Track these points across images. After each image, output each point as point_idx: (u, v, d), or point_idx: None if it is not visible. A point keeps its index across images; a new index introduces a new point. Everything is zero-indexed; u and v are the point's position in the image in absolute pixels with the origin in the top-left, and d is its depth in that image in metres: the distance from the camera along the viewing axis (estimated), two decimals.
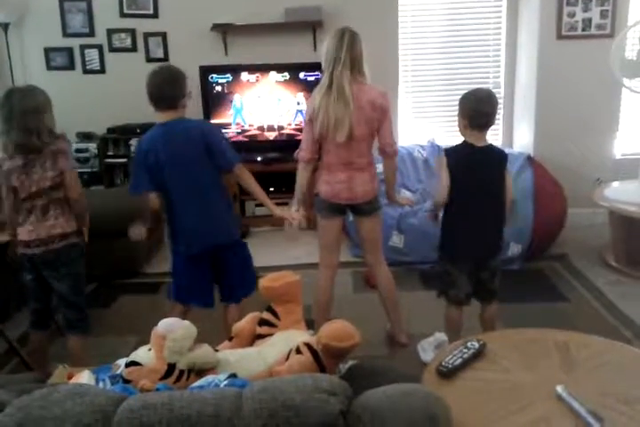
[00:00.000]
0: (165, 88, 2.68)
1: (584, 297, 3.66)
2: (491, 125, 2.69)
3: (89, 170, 5.13)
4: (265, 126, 5.03)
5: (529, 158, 4.50)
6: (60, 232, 2.62)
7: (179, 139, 2.68)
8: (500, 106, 5.28)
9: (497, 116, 2.72)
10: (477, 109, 2.62)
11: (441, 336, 3.04)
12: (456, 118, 2.74)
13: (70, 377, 1.87)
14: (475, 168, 2.67)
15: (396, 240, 4.17)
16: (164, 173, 2.71)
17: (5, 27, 4.96)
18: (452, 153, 2.70)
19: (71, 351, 2.79)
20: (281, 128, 5.04)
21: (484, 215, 2.70)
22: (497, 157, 2.73)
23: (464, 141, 2.71)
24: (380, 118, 2.84)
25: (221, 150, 2.73)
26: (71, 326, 2.77)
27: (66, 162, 2.58)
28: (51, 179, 2.56)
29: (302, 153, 2.96)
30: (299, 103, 4.94)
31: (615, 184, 4.36)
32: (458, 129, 2.74)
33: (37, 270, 2.67)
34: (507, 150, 4.72)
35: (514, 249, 4.02)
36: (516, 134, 5.33)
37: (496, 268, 2.80)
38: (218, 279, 2.89)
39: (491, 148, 2.74)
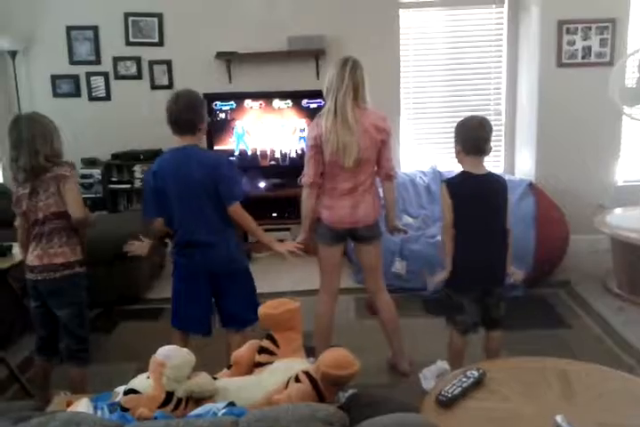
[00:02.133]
0: (185, 113, 2.72)
1: (586, 324, 3.64)
2: (486, 152, 2.73)
3: (93, 195, 5.17)
4: (268, 152, 5.08)
5: (530, 185, 4.52)
6: (62, 261, 2.63)
7: (191, 164, 2.70)
8: (501, 133, 5.34)
9: (493, 144, 2.75)
10: (470, 136, 2.69)
11: (443, 365, 3.02)
12: None
13: (69, 405, 1.86)
14: (477, 197, 2.70)
15: (399, 267, 4.17)
16: (170, 196, 2.73)
17: (13, 54, 5.05)
18: (452, 183, 2.74)
19: (71, 380, 2.79)
20: (284, 154, 5.08)
21: (489, 244, 2.72)
22: (498, 186, 2.76)
23: (462, 171, 2.75)
24: (383, 140, 2.90)
25: (227, 185, 2.74)
26: (71, 355, 2.76)
27: (68, 185, 2.60)
28: (54, 204, 2.58)
29: (306, 178, 2.98)
30: (302, 130, 4.99)
31: (617, 211, 4.36)
32: (455, 156, 2.79)
33: (42, 298, 2.68)
34: (508, 177, 4.77)
35: (516, 276, 4.00)
36: (517, 161, 5.35)
37: (501, 295, 2.81)
38: (218, 306, 2.89)
39: (491, 176, 2.77)
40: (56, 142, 2.63)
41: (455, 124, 2.79)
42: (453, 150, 2.80)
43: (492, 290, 2.77)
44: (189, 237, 2.77)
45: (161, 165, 2.78)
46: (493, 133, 2.76)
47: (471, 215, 2.68)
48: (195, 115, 2.74)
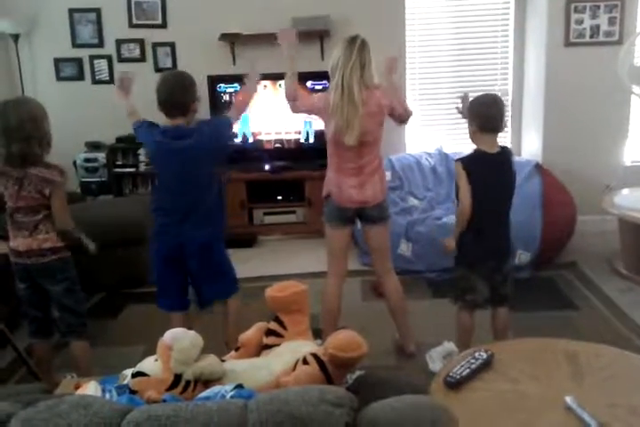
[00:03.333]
0: (176, 94, 2.69)
1: (594, 305, 3.63)
2: (500, 130, 2.73)
3: (97, 179, 5.15)
4: (272, 135, 5.04)
5: (537, 166, 4.49)
6: (50, 246, 2.63)
7: (174, 146, 2.70)
8: (508, 113, 5.28)
9: (506, 122, 2.75)
10: (485, 114, 2.67)
11: (450, 346, 3.02)
12: (463, 126, 2.80)
13: (77, 387, 1.86)
14: (491, 176, 2.71)
15: (404, 249, 4.16)
16: (158, 165, 2.79)
17: (16, 37, 5.00)
18: (468, 162, 2.71)
19: (75, 358, 2.80)
20: (288, 137, 5.05)
21: (498, 221, 2.78)
22: (509, 162, 2.78)
23: (477, 149, 2.74)
24: (386, 114, 2.90)
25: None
26: (71, 330, 2.77)
27: (55, 193, 2.58)
28: (37, 199, 2.57)
29: (300, 103, 2.98)
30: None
31: (625, 191, 4.32)
32: (469, 136, 2.77)
33: (32, 278, 2.68)
34: (515, 158, 4.74)
35: (523, 257, 4.00)
36: (524, 142, 5.31)
37: (508, 272, 2.84)
38: (193, 284, 2.91)
39: (503, 152, 2.77)
40: (46, 126, 2.59)
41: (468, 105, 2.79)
42: (460, 132, 2.83)
43: (501, 267, 2.80)
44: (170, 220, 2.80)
45: (150, 139, 2.80)
46: None
47: (484, 193, 2.68)
48: (185, 96, 2.71)
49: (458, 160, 2.75)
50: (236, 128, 5.01)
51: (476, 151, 2.74)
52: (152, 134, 2.79)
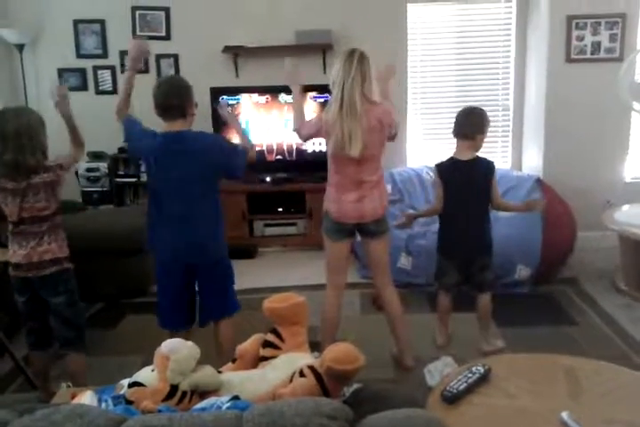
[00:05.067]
0: (173, 97, 2.69)
1: (594, 321, 3.62)
2: (475, 139, 3.06)
3: (99, 189, 5.17)
4: (274, 147, 5.07)
5: (538, 181, 4.50)
6: (51, 258, 2.63)
7: (187, 144, 2.68)
8: (509, 128, 5.31)
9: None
10: (457, 120, 3.09)
11: (448, 360, 3.01)
12: None
13: (73, 397, 1.86)
14: (460, 180, 3.07)
15: (405, 262, 4.16)
16: (157, 176, 2.73)
17: (21, 47, 5.05)
18: (441, 169, 3.14)
19: (72, 370, 2.78)
20: (290, 149, 5.07)
21: (471, 221, 3.11)
22: (482, 169, 3.10)
23: (451, 157, 3.13)
24: (387, 135, 2.93)
25: (229, 156, 2.77)
26: (69, 343, 2.76)
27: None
28: (43, 208, 2.58)
29: (303, 130, 3.00)
30: None
31: (625, 207, 4.33)
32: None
33: (32, 290, 2.66)
34: (516, 173, 4.76)
35: (522, 272, 3.99)
36: (525, 157, 5.32)
37: (485, 264, 3.16)
38: (198, 301, 2.87)
39: (476, 160, 3.10)
40: (42, 136, 2.60)
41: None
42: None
43: (474, 259, 3.15)
44: (171, 237, 2.76)
45: (148, 151, 2.74)
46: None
47: (455, 196, 3.08)
48: (181, 98, 2.72)
49: (435, 165, 3.18)
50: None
51: (449, 158, 3.13)
52: (151, 137, 2.75)
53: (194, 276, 2.80)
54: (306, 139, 3.08)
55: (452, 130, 3.11)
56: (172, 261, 2.77)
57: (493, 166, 3.12)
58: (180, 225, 2.72)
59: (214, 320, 2.88)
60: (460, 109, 3.14)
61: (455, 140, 3.12)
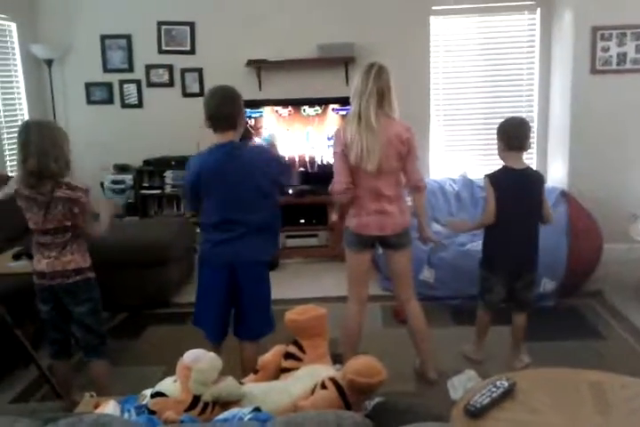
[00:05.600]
0: (224, 106, 2.68)
1: (620, 336, 3.55)
2: (525, 148, 3.04)
3: (124, 201, 5.23)
4: (297, 159, 5.09)
5: (563, 193, 4.45)
6: (74, 267, 2.66)
7: (233, 162, 2.67)
8: (533, 140, 5.26)
9: (531, 142, 3.13)
10: (512, 132, 3.01)
11: (471, 374, 2.97)
12: (488, 151, 3.12)
13: (97, 406, 1.87)
14: (517, 189, 3.00)
15: (427, 275, 4.12)
16: (211, 188, 2.71)
17: (49, 63, 5.16)
18: (495, 177, 3.04)
19: (95, 379, 2.81)
20: (312, 161, 5.09)
21: (523, 233, 3.04)
22: (536, 179, 3.07)
23: (504, 166, 3.05)
24: (407, 151, 2.87)
25: (277, 166, 2.81)
26: (92, 350, 2.79)
27: (82, 210, 2.62)
28: (64, 220, 2.61)
29: (337, 185, 2.91)
30: (330, 138, 4.99)
31: None
32: (498, 154, 3.09)
33: (56, 299, 2.70)
34: None
35: (548, 285, 3.94)
36: (550, 169, 5.28)
37: (531, 281, 3.12)
38: (235, 314, 2.85)
39: (529, 170, 3.08)
40: (65, 148, 2.62)
41: (489, 128, 3.15)
42: (484, 157, 3.11)
43: (522, 274, 3.06)
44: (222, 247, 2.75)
45: (201, 165, 2.71)
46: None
47: (510, 205, 2.98)
48: (234, 108, 2.70)
49: (486, 176, 3.07)
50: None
51: (503, 167, 3.06)
52: (204, 157, 2.75)
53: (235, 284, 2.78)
54: (343, 186, 2.93)
55: (506, 143, 3.00)
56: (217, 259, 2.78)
57: (543, 177, 3.10)
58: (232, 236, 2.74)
59: (249, 338, 2.85)
60: (502, 121, 3.07)
61: (506, 152, 3.02)
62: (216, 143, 2.72)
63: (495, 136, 3.07)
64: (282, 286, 4.41)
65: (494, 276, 3.07)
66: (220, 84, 2.79)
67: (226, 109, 2.68)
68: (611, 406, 1.92)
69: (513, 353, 3.16)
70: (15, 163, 4.71)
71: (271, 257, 2.93)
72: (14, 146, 4.77)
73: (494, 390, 1.96)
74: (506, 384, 1.99)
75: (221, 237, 2.73)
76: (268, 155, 2.88)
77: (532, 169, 3.11)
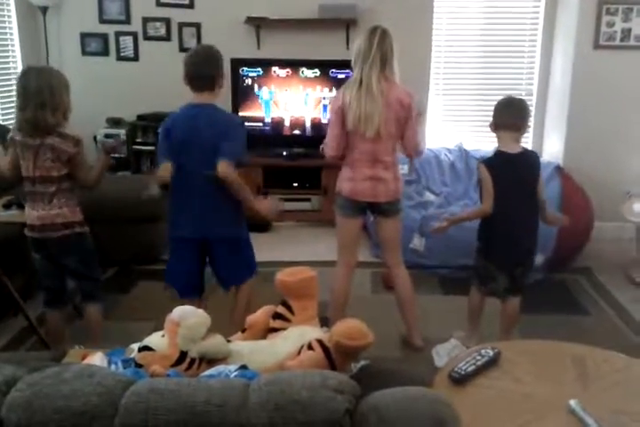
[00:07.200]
0: (203, 67, 2.67)
1: (606, 312, 3.59)
2: (521, 130, 2.85)
3: (116, 155, 5.16)
4: (292, 121, 5.02)
5: (558, 168, 4.44)
6: (62, 221, 2.64)
7: (201, 124, 2.65)
8: (531, 113, 5.22)
9: (529, 125, 2.87)
10: (498, 111, 2.83)
11: (456, 342, 3.01)
12: (485, 123, 2.94)
13: (84, 358, 1.88)
14: (512, 176, 2.81)
15: (417, 243, 4.13)
16: (179, 152, 2.69)
17: (44, 10, 5.01)
18: (491, 165, 2.81)
19: (88, 325, 2.84)
20: (308, 124, 5.03)
21: (523, 219, 2.86)
22: (532, 162, 2.88)
23: (498, 150, 2.85)
24: (407, 117, 2.85)
25: (229, 143, 2.64)
26: (89, 295, 2.83)
27: (74, 161, 2.60)
28: (50, 169, 2.58)
29: (327, 149, 2.96)
30: (324, 98, 4.92)
31: None
32: (494, 134, 2.89)
33: (47, 249, 2.70)
34: None
35: (537, 259, 3.94)
36: (546, 143, 5.25)
37: (529, 266, 2.98)
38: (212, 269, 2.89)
39: (526, 153, 2.88)
40: (65, 96, 2.58)
41: (488, 100, 2.90)
42: (481, 129, 3.00)
43: (524, 262, 2.93)
44: (188, 211, 2.76)
45: (174, 121, 2.73)
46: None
47: (509, 194, 2.79)
48: (214, 69, 2.69)
49: (481, 163, 2.85)
50: (256, 112, 5.01)
51: (498, 152, 2.84)
52: (175, 115, 2.75)
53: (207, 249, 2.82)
54: (333, 153, 2.96)
55: (490, 123, 2.85)
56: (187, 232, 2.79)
57: (539, 159, 2.95)
58: (198, 202, 2.74)
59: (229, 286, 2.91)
60: (499, 100, 2.88)
61: (500, 132, 2.84)
62: (190, 102, 2.71)
63: (493, 108, 2.91)
64: (273, 248, 4.43)
65: (496, 267, 2.90)
66: (203, 44, 2.75)
67: (205, 70, 2.66)
68: (591, 378, 1.95)
69: (502, 340, 2.96)
70: (7, 111, 4.64)
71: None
72: (6, 94, 4.70)
73: (479, 358, 1.99)
74: (491, 353, 2.02)
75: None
76: (234, 129, 2.73)
77: (528, 152, 2.92)
